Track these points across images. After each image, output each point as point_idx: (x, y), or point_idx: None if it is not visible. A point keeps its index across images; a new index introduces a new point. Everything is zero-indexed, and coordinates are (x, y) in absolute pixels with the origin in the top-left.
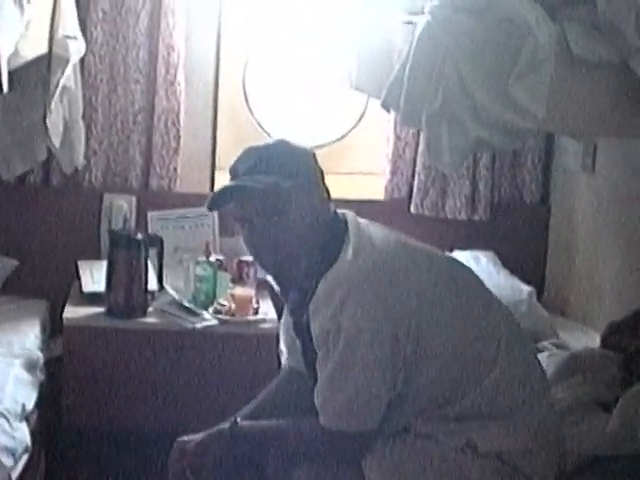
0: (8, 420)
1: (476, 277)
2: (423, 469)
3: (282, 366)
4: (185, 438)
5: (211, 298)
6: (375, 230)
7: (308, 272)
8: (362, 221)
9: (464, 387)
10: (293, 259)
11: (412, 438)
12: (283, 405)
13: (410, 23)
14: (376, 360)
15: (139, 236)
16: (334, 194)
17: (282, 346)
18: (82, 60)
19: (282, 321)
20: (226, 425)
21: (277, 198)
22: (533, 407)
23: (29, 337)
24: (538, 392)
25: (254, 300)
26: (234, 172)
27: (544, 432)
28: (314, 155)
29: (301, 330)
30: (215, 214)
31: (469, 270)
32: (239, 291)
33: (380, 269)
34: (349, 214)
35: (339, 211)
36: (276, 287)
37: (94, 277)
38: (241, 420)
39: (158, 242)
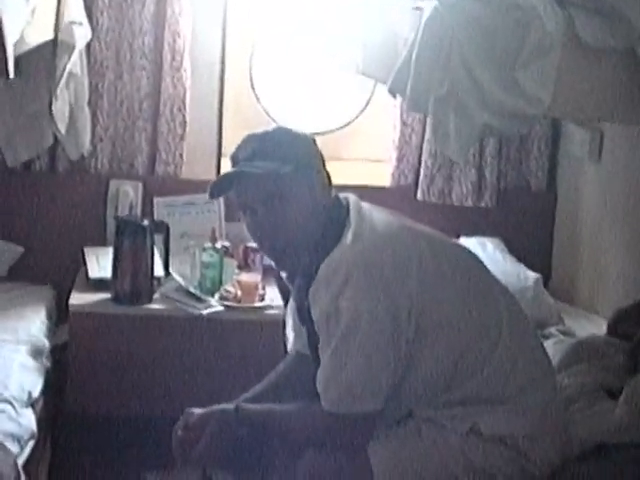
0: (14, 407)
1: (480, 263)
2: (427, 454)
3: (288, 351)
4: (194, 410)
5: (217, 284)
6: (378, 214)
7: (310, 257)
8: (365, 205)
9: (466, 371)
10: (295, 244)
11: (416, 423)
12: (288, 389)
13: (418, 9)
14: (376, 342)
15: (145, 222)
16: (340, 181)
17: (288, 331)
18: (88, 46)
19: (289, 306)
20: (231, 405)
21: (277, 184)
22: (537, 392)
23: (35, 324)
24: (542, 377)
25: (260, 286)
26: (235, 159)
27: (548, 417)
28: (314, 141)
29: (304, 316)
30: (221, 200)
31: (474, 256)
32: (245, 277)
33: (380, 252)
34: (351, 198)
35: (341, 195)
36: (282, 273)
37: (100, 263)
38: (245, 402)
39: (164, 228)
